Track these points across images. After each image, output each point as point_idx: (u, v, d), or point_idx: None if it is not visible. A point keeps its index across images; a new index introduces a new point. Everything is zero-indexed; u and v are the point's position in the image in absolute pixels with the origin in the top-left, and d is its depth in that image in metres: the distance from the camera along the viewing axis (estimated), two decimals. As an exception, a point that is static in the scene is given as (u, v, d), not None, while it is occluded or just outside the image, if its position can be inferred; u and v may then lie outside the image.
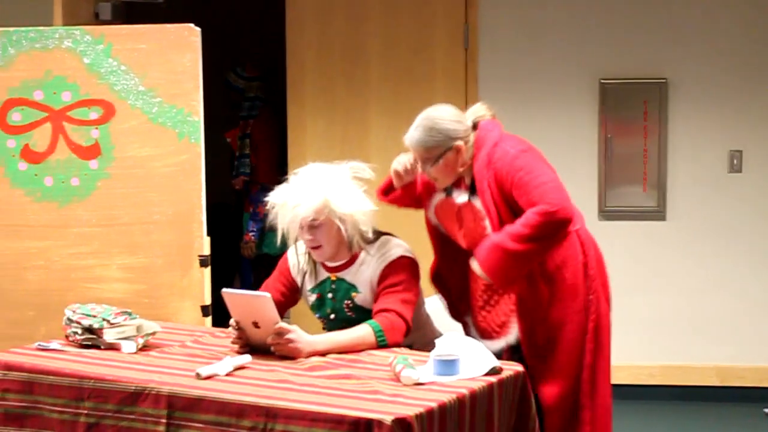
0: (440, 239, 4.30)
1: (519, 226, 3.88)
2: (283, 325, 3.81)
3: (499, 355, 3.91)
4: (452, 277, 4.29)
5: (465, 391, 3.41)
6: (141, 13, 6.52)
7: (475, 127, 4.11)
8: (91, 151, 4.94)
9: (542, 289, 4.01)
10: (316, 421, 3.22)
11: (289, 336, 3.80)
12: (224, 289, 3.89)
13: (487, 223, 4.03)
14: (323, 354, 3.83)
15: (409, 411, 3.20)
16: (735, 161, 6.41)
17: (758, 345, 6.48)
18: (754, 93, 6.40)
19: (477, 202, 4.06)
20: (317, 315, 4.25)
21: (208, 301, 4.94)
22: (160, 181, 4.91)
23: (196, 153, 4.90)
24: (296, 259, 4.24)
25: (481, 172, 4.02)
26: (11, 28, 4.97)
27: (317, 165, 4.15)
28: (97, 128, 4.93)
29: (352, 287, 4.11)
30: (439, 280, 4.35)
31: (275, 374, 3.60)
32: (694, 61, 6.41)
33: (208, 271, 4.93)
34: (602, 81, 6.42)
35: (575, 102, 6.49)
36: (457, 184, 4.14)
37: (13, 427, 3.80)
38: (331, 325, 4.17)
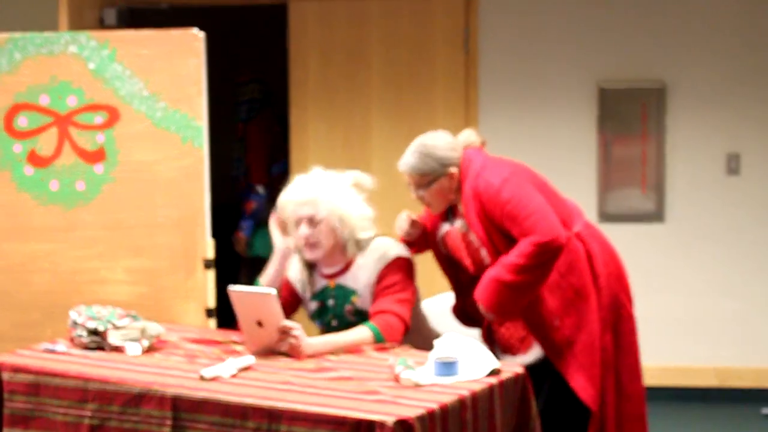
0: (452, 268, 4.30)
1: (514, 256, 3.91)
2: (287, 322, 3.85)
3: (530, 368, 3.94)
4: (472, 304, 4.21)
5: (466, 393, 3.42)
6: (145, 18, 6.54)
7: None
8: (96, 156, 4.97)
9: (549, 302, 4.02)
10: (319, 423, 3.24)
11: (294, 333, 3.84)
12: (230, 286, 3.93)
13: (484, 252, 4.06)
14: (323, 356, 3.87)
15: (411, 412, 3.21)
16: (733, 164, 6.43)
17: (757, 346, 6.49)
18: (751, 96, 6.41)
19: (472, 234, 4.09)
20: (318, 323, 4.27)
21: (212, 303, 4.97)
22: (165, 184, 4.94)
23: (200, 157, 4.93)
24: (295, 266, 4.27)
25: (467, 205, 4.04)
26: (17, 34, 4.99)
27: (320, 170, 4.22)
28: (102, 133, 4.96)
29: (352, 291, 4.15)
30: (462, 313, 4.35)
31: (278, 376, 3.62)
32: (693, 65, 6.42)
33: (212, 273, 4.96)
34: (601, 85, 6.45)
35: (574, 106, 6.51)
36: (457, 213, 4.17)
37: (19, 428, 3.80)
38: (331, 332, 4.18)
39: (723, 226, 6.45)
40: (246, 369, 3.69)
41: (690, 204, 6.45)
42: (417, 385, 3.47)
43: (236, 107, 7.09)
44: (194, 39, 4.93)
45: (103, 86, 4.94)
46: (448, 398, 3.36)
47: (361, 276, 4.14)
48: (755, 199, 6.43)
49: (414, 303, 4.18)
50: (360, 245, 4.15)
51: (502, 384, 3.59)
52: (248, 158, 7.06)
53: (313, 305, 4.25)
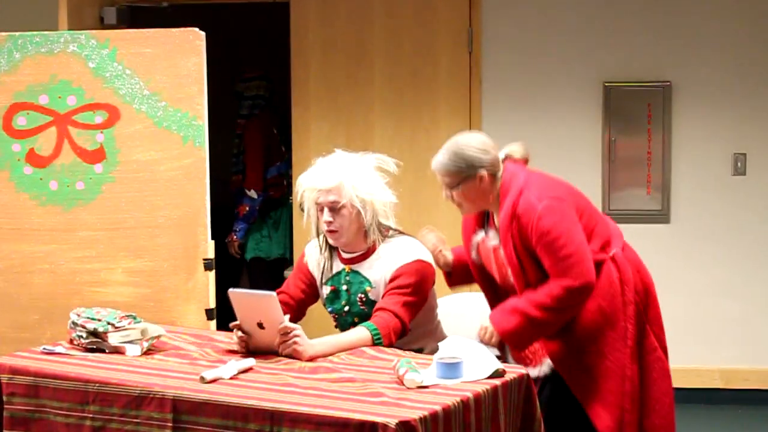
0: (485, 276, 4.26)
1: (542, 295, 3.89)
2: (287, 324, 3.83)
3: (538, 383, 3.94)
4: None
5: (469, 394, 3.41)
6: (146, 17, 6.53)
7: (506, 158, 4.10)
8: (96, 155, 4.95)
9: (576, 324, 3.99)
10: (321, 425, 3.23)
11: (294, 333, 3.81)
12: (231, 289, 3.91)
13: (509, 271, 4.03)
14: (324, 357, 3.84)
15: (413, 414, 3.20)
16: (739, 164, 6.41)
17: (762, 347, 6.48)
18: (758, 96, 6.40)
19: (501, 251, 4.05)
20: (330, 309, 4.24)
21: (212, 304, 4.95)
22: (165, 184, 4.92)
23: (201, 157, 4.91)
24: (314, 252, 4.27)
25: (504, 223, 3.99)
26: (16, 33, 4.98)
27: (343, 152, 4.17)
28: (102, 132, 4.94)
29: (366, 281, 4.13)
30: None
31: (279, 378, 3.60)
32: (698, 64, 6.41)
33: (212, 274, 4.94)
34: (606, 84, 6.43)
35: (579, 105, 6.49)
36: (492, 223, 4.13)
37: (19, 430, 3.80)
38: (343, 321, 4.19)
39: (728, 227, 6.43)
40: (247, 371, 3.68)
41: (695, 204, 6.44)
42: (420, 387, 3.45)
43: (240, 102, 7.08)
44: (195, 38, 4.92)
45: (103, 85, 4.93)
46: (451, 400, 3.35)
47: (378, 268, 4.11)
48: (761, 199, 6.42)
49: (424, 309, 4.14)
50: (384, 231, 4.13)
51: (506, 386, 3.58)
52: (245, 159, 7.07)
53: (327, 290, 4.23)
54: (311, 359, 3.80)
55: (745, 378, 6.46)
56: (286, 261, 7.14)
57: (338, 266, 4.21)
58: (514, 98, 6.53)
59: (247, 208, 6.97)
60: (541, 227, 3.90)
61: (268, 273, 7.18)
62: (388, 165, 4.15)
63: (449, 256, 4.30)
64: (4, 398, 3.85)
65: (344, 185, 4.04)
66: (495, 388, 3.52)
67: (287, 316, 3.89)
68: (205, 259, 4.91)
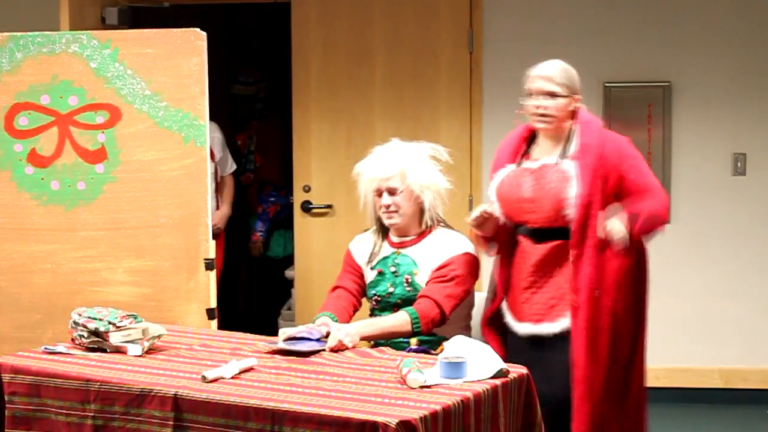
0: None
1: (662, 200, 4.11)
2: (332, 343, 3.94)
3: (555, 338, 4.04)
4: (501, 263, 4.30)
5: (469, 395, 3.41)
6: (147, 17, 6.53)
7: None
8: (97, 155, 4.95)
9: (618, 297, 4.10)
10: (322, 424, 3.23)
11: (344, 343, 3.94)
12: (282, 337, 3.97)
13: (572, 182, 4.07)
14: (369, 339, 4.05)
15: (414, 414, 3.20)
16: (739, 164, 6.42)
17: (762, 347, 6.48)
18: (757, 96, 6.40)
19: (566, 165, 4.11)
20: (373, 292, 4.36)
21: (213, 304, 4.95)
22: (166, 184, 4.92)
23: (202, 156, 4.91)
24: (359, 244, 4.43)
25: (590, 141, 4.11)
26: (18, 33, 4.98)
27: (399, 141, 4.37)
28: (103, 132, 4.94)
29: (414, 263, 4.26)
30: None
31: (281, 377, 3.61)
32: (698, 65, 6.41)
33: (213, 274, 4.94)
34: (606, 84, 6.42)
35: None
36: (529, 155, 4.25)
37: (21, 430, 3.80)
38: (385, 304, 4.31)
39: (729, 227, 6.43)
40: (248, 370, 3.68)
41: (696, 204, 6.43)
42: (423, 386, 3.46)
43: (252, 103, 7.17)
44: (196, 38, 4.92)
45: (104, 85, 4.93)
46: (452, 400, 3.36)
47: (427, 253, 4.26)
48: (761, 199, 6.41)
49: (463, 300, 4.25)
50: (436, 220, 4.30)
51: (506, 386, 3.59)
52: (263, 158, 7.15)
53: (374, 273, 4.36)
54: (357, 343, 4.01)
55: (745, 378, 6.46)
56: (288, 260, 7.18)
57: (387, 250, 4.35)
58: (514, 99, 6.47)
59: (278, 208, 7.06)
60: (630, 152, 4.16)
61: (270, 272, 7.22)
62: (441, 154, 4.34)
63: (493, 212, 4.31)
64: (6, 398, 3.85)
65: (405, 171, 4.23)
66: (495, 389, 3.52)
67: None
68: (206, 259, 4.91)
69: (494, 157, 4.40)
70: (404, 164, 4.24)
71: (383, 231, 4.40)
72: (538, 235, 4.14)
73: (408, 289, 4.25)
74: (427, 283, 4.22)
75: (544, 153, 4.22)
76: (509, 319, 4.25)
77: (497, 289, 4.30)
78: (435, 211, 4.31)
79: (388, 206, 4.25)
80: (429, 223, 4.30)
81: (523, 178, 4.19)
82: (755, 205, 6.43)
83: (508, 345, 4.25)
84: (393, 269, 4.30)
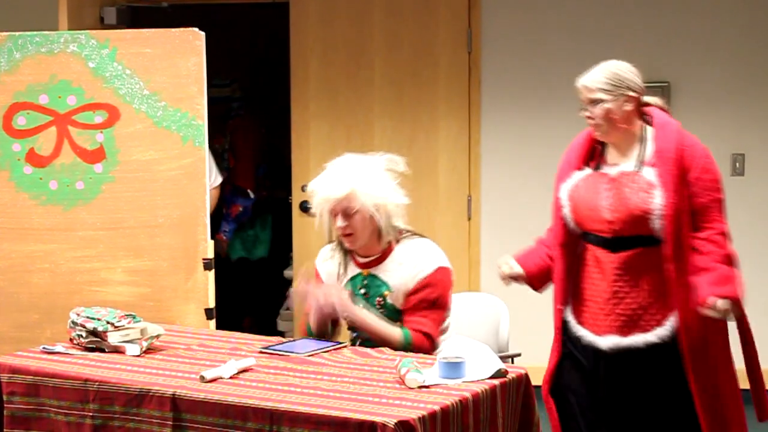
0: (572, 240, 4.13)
1: (726, 251, 4.08)
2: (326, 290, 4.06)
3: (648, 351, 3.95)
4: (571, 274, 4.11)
5: (468, 395, 3.41)
6: (146, 17, 6.54)
7: (646, 104, 4.09)
8: (95, 155, 4.95)
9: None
10: (320, 425, 3.23)
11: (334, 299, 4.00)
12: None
13: (657, 192, 3.90)
14: (355, 324, 4.05)
15: (412, 414, 3.20)
16: (737, 164, 6.42)
17: (762, 347, 6.45)
18: (756, 96, 6.40)
19: (647, 173, 3.94)
20: None
21: (212, 304, 4.95)
22: (165, 184, 4.92)
23: (200, 156, 4.91)
24: (324, 262, 4.27)
25: (667, 145, 3.94)
26: (17, 33, 4.98)
27: (352, 155, 4.18)
28: (101, 132, 4.95)
29: (384, 285, 4.11)
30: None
31: (279, 377, 3.61)
32: (697, 65, 6.41)
33: (212, 274, 4.94)
34: (605, 84, 6.43)
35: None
36: (601, 159, 4.09)
37: (20, 429, 3.80)
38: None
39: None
40: (246, 370, 3.68)
41: (694, 204, 6.43)
42: (422, 386, 3.46)
43: (229, 104, 7.17)
44: (195, 38, 4.92)
45: (103, 85, 4.93)
46: (450, 400, 3.35)
47: (397, 272, 4.10)
48: (760, 199, 6.42)
49: (447, 317, 4.16)
50: (397, 233, 4.13)
51: (505, 386, 3.58)
52: (234, 159, 7.12)
53: None
54: (346, 318, 4.04)
55: (745, 378, 6.44)
56: (267, 261, 7.18)
57: (353, 270, 4.19)
58: (512, 99, 6.53)
59: (241, 208, 6.99)
60: (709, 166, 3.97)
61: (254, 273, 7.22)
62: (398, 165, 4.13)
63: (517, 270, 4.17)
64: (5, 397, 3.85)
65: (357, 192, 4.02)
66: (493, 389, 3.52)
67: None
68: (204, 259, 4.92)
69: (562, 160, 4.23)
70: (355, 184, 4.03)
71: (345, 250, 4.23)
72: (615, 244, 3.96)
73: (381, 310, 4.11)
74: (407, 308, 4.06)
75: (619, 157, 4.04)
76: (583, 332, 4.04)
77: (556, 300, 4.12)
78: (393, 226, 4.12)
79: (344, 228, 4.06)
80: (389, 239, 4.12)
81: (600, 185, 4.01)
82: (754, 206, 6.43)
83: (580, 356, 4.06)
84: (363, 291, 4.15)
